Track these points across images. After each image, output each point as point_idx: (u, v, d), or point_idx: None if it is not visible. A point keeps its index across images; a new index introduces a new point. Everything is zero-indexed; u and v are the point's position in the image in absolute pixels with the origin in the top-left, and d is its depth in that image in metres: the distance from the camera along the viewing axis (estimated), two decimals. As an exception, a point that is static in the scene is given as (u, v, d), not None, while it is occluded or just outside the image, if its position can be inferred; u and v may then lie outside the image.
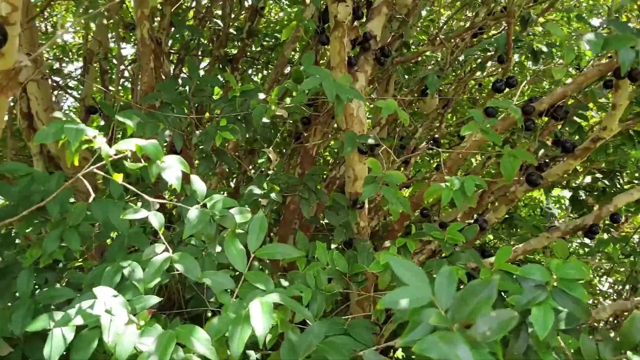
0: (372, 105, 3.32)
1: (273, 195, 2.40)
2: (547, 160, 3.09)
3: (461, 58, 3.51)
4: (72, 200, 1.99)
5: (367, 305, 2.63)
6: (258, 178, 2.53)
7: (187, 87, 2.58)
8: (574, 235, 2.54)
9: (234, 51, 4.26)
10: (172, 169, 1.30)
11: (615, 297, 4.68)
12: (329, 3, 2.44)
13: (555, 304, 1.17)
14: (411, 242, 2.08)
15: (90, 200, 1.35)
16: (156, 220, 1.50)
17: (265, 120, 2.30)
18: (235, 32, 4.05)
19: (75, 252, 1.84)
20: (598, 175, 3.53)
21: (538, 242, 2.52)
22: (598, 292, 4.44)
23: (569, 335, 1.29)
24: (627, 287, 3.80)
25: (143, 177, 2.21)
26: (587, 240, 3.12)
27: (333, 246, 2.91)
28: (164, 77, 3.32)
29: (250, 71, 4.96)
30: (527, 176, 2.29)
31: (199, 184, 1.55)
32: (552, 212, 4.44)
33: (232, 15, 4.00)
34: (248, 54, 4.33)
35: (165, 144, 2.49)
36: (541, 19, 3.09)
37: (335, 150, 3.84)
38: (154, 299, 1.54)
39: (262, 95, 2.37)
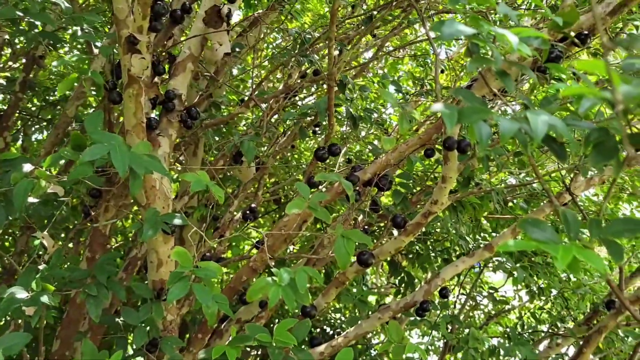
0: (176, 176, 2.89)
1: (45, 298, 1.79)
2: (365, 227, 2.96)
3: (274, 119, 3.30)
4: None
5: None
6: (25, 274, 1.90)
7: None
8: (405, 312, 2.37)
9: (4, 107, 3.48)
10: None
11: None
12: (121, 54, 1.99)
13: None
14: (231, 350, 1.66)
15: None
16: None
17: (31, 200, 1.73)
18: (4, 84, 3.31)
19: None
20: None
21: (370, 324, 2.29)
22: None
23: None
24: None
25: None
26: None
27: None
28: None
29: (32, 129, 4.15)
30: (359, 256, 2.06)
31: None
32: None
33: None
34: (24, 110, 3.59)
35: None
36: (357, 82, 3.02)
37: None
38: None
39: (28, 167, 1.78)
